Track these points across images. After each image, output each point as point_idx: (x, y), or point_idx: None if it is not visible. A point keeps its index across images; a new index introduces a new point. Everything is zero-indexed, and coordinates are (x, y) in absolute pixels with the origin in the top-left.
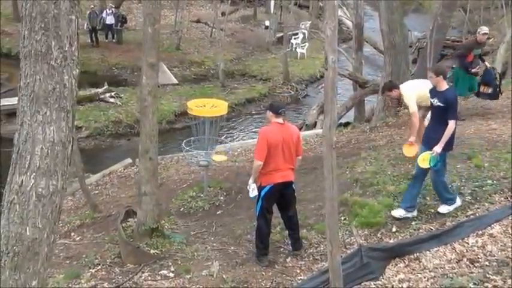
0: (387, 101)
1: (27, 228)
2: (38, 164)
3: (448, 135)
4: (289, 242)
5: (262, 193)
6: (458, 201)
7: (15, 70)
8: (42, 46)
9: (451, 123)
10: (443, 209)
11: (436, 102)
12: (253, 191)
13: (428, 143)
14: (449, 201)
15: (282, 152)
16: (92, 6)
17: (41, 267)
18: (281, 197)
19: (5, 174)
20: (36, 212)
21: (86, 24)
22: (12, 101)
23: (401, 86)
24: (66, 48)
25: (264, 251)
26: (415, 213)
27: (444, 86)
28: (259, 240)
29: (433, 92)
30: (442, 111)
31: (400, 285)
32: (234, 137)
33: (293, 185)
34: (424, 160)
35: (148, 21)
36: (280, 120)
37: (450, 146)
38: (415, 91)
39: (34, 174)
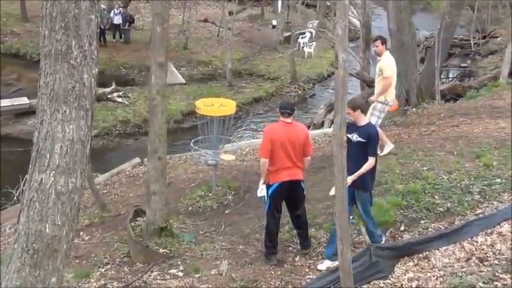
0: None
1: (47, 226)
2: (57, 162)
3: (366, 170)
4: (298, 241)
5: (270, 191)
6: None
7: (24, 70)
8: (62, 45)
9: (371, 160)
10: (325, 264)
11: (355, 138)
12: (261, 191)
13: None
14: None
15: (286, 150)
16: (103, 7)
17: (60, 264)
18: (289, 195)
19: (13, 172)
20: (55, 209)
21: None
22: (21, 100)
23: (387, 52)
24: (86, 48)
25: (272, 249)
26: None
27: (364, 120)
28: (268, 239)
29: (352, 128)
30: (362, 147)
31: (409, 284)
32: (242, 136)
33: (302, 184)
34: None
35: (157, 21)
36: (287, 119)
37: (369, 185)
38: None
39: (53, 172)
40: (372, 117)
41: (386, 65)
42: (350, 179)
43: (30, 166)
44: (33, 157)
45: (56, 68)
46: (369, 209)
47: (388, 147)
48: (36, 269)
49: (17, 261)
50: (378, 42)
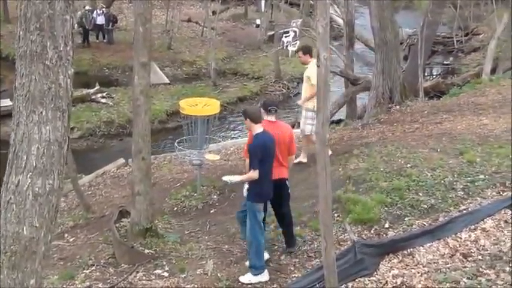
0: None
1: (24, 228)
2: (34, 164)
3: (243, 179)
4: (283, 240)
5: None
6: (267, 276)
7: (7, 72)
8: (37, 46)
9: (250, 173)
10: (247, 278)
11: None
12: (247, 191)
13: None
14: (256, 270)
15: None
16: (87, 7)
17: (39, 266)
18: (275, 194)
19: (3, 175)
20: (33, 211)
21: (76, 25)
22: (4, 102)
23: (313, 60)
24: (61, 48)
25: None
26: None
27: (255, 130)
28: None
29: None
30: None
31: (394, 281)
32: (227, 136)
33: (287, 183)
34: None
35: (140, 21)
36: (271, 118)
37: (253, 197)
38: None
39: (30, 173)
40: (306, 126)
41: (314, 72)
42: (238, 178)
43: (7, 168)
44: (9, 159)
45: (32, 69)
46: (253, 224)
47: (301, 158)
48: (14, 271)
49: None
50: (300, 53)
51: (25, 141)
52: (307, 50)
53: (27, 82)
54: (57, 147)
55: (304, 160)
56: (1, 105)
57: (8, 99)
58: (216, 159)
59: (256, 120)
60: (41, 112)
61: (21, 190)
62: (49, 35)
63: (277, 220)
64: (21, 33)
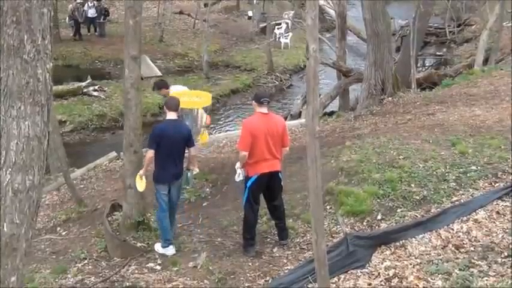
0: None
1: (5, 224)
2: (13, 160)
3: (146, 163)
4: (276, 232)
5: (249, 183)
6: (172, 250)
7: None
8: (14, 40)
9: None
10: (157, 246)
11: None
12: (238, 176)
13: None
14: (164, 242)
15: (266, 142)
16: (79, 0)
17: (20, 263)
18: (267, 187)
19: None
20: (13, 207)
21: (67, 18)
22: None
23: (172, 87)
24: (39, 42)
25: (250, 241)
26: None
27: (168, 116)
28: (246, 231)
29: None
30: None
31: (386, 273)
32: (219, 128)
33: (280, 175)
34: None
35: (130, 14)
36: (263, 109)
37: (155, 177)
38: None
39: (10, 169)
40: None
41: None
42: (142, 171)
43: None
44: None
45: (9, 63)
46: (160, 202)
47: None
48: None
49: None
50: (162, 91)
51: (4, 137)
52: (161, 85)
53: (4, 77)
54: (37, 143)
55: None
56: None
57: None
58: (206, 140)
59: (170, 108)
60: (20, 107)
61: (1, 186)
62: (26, 29)
63: (269, 212)
64: None
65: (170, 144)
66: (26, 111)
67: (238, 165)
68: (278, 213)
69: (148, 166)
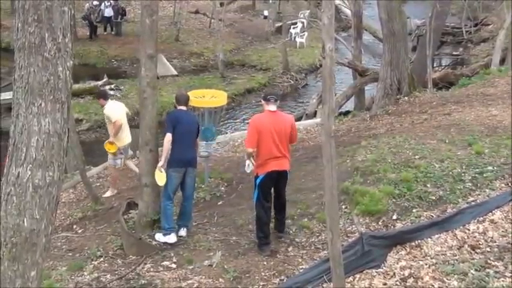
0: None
1: (25, 220)
2: (34, 156)
3: (165, 146)
4: (290, 231)
5: (258, 182)
6: (173, 238)
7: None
8: (35, 38)
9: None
10: (158, 235)
11: None
12: (248, 166)
13: None
14: (165, 230)
15: (273, 139)
16: (95, 2)
17: (39, 258)
18: (276, 185)
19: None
20: (33, 203)
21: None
22: (11, 94)
23: (109, 101)
24: (60, 40)
25: (265, 240)
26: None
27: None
28: (259, 229)
29: None
30: None
31: (401, 273)
32: (235, 128)
33: (287, 174)
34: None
35: (146, 13)
36: (271, 107)
37: (178, 162)
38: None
39: (30, 165)
40: (116, 161)
41: (110, 112)
42: (160, 162)
43: (7, 160)
44: (9, 151)
45: (30, 61)
46: (167, 190)
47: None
48: (15, 263)
49: None
50: (100, 101)
51: (24, 133)
52: (101, 95)
53: (26, 74)
54: (57, 139)
55: (110, 194)
56: (6, 98)
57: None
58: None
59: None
60: (40, 104)
61: (22, 182)
62: (47, 27)
63: (274, 207)
64: (19, 25)
65: (184, 130)
66: (46, 108)
67: (246, 156)
68: (281, 206)
69: (167, 150)
